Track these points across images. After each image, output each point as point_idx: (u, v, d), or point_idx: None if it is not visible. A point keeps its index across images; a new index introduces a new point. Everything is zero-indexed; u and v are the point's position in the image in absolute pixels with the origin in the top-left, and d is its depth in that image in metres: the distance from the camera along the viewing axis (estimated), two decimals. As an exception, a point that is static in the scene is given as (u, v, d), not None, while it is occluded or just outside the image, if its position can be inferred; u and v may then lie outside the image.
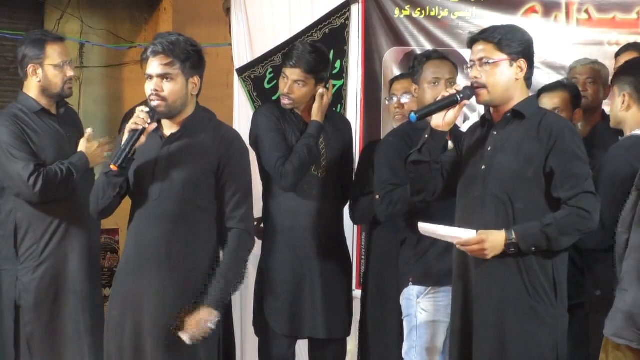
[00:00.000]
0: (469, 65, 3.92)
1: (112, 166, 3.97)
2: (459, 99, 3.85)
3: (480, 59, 3.85)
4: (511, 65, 3.85)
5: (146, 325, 3.99)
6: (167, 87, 4.00)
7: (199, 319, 3.92)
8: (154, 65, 4.01)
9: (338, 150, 4.93)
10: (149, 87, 4.03)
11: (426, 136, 3.91)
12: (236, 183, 4.08)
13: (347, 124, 5.17)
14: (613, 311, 3.52)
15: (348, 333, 4.98)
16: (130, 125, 3.97)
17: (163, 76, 4.00)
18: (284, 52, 5.07)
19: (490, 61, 3.83)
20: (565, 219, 3.72)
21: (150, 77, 4.02)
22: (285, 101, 4.82)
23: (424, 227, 3.86)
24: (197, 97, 4.16)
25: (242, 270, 4.10)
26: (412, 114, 3.89)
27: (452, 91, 3.88)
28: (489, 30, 3.90)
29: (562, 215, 3.72)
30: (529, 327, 3.76)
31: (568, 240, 3.76)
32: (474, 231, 3.73)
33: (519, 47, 3.85)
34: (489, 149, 3.88)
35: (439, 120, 3.88)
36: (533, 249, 3.73)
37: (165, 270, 3.99)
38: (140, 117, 3.96)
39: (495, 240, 3.73)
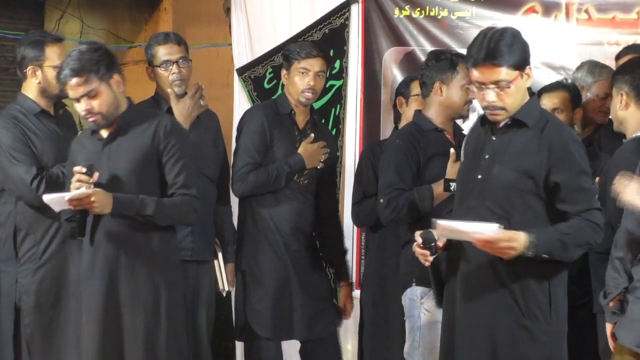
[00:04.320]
0: (474, 87, 3.75)
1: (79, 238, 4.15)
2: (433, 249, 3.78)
3: (496, 82, 3.66)
4: (522, 77, 3.71)
5: (126, 324, 4.10)
6: (97, 103, 4.11)
7: (95, 196, 3.97)
8: (74, 90, 4.10)
9: (322, 163, 4.90)
10: (80, 107, 4.12)
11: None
12: (181, 163, 4.18)
13: (334, 140, 5.23)
14: (629, 321, 3.44)
15: (333, 327, 4.94)
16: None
17: (87, 95, 4.09)
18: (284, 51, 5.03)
19: (511, 85, 3.66)
20: (582, 231, 3.62)
21: (77, 99, 4.11)
22: (309, 94, 4.81)
23: (442, 225, 3.66)
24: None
25: (169, 214, 4.17)
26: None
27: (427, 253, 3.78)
28: (490, 47, 3.65)
29: (579, 226, 3.62)
30: (520, 346, 3.65)
31: (579, 251, 3.68)
32: (497, 225, 3.54)
33: (523, 56, 3.70)
34: (486, 157, 3.75)
35: None
36: (545, 256, 3.60)
37: (128, 267, 4.10)
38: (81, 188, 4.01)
39: (521, 239, 3.57)
